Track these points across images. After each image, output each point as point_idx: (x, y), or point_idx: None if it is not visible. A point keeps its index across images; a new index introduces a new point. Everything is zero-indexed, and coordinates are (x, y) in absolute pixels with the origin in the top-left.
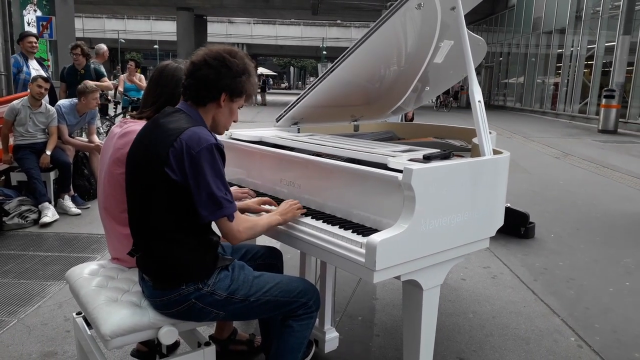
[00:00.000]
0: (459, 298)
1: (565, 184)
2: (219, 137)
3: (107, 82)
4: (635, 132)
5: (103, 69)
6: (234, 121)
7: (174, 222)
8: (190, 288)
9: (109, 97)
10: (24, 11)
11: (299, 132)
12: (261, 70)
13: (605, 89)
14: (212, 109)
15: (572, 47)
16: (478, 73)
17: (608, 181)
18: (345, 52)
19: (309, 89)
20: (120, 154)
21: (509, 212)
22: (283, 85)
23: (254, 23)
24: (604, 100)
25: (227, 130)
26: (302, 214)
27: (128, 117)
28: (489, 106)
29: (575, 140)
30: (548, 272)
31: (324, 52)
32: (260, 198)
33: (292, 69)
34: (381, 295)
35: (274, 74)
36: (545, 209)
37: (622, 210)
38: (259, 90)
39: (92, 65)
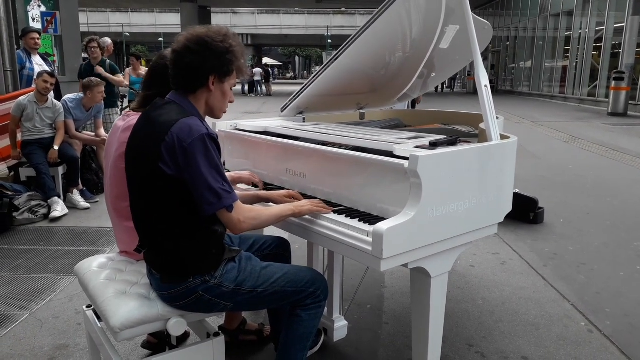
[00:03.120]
0: (468, 285)
1: (574, 169)
2: (222, 127)
3: (120, 78)
4: None
5: (116, 66)
6: (230, 102)
7: (176, 216)
8: (198, 280)
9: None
10: (28, 7)
11: (304, 122)
12: (266, 60)
13: (615, 71)
14: (204, 94)
15: (581, 29)
16: (485, 58)
17: (618, 164)
18: (349, 39)
19: (313, 77)
20: (124, 148)
21: (517, 197)
22: (288, 75)
23: (258, 13)
24: (613, 83)
25: (224, 112)
26: (324, 212)
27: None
28: (497, 91)
29: (584, 124)
30: (558, 258)
31: (329, 41)
32: (288, 191)
33: (297, 58)
34: (390, 283)
35: (279, 63)
36: (554, 194)
37: (632, 194)
38: (263, 81)
39: (107, 61)
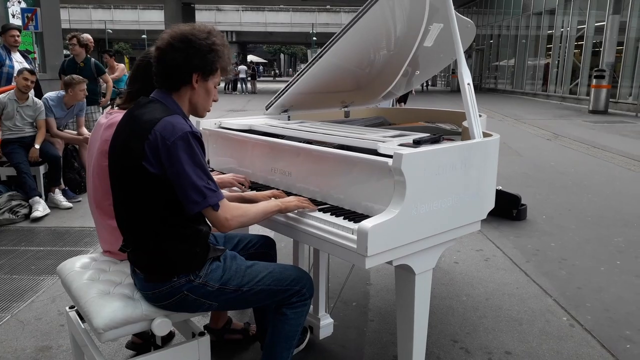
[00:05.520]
0: (452, 281)
1: (556, 165)
2: (206, 125)
3: (106, 78)
4: (626, 111)
5: (103, 66)
6: (214, 100)
7: (160, 215)
8: (182, 280)
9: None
10: (8, 3)
11: (289, 120)
12: (251, 57)
13: (596, 69)
14: (187, 92)
15: (562, 27)
16: (469, 56)
17: (599, 161)
18: (333, 37)
19: (297, 75)
20: (107, 146)
21: (500, 194)
22: (273, 73)
23: (242, 10)
24: (594, 81)
25: (208, 111)
26: (311, 208)
27: (116, 107)
28: (481, 89)
29: (566, 122)
30: (540, 253)
31: (314, 38)
32: (272, 191)
33: (282, 56)
34: (375, 280)
35: (265, 61)
36: (537, 190)
37: (613, 190)
38: (248, 78)
39: (92, 60)
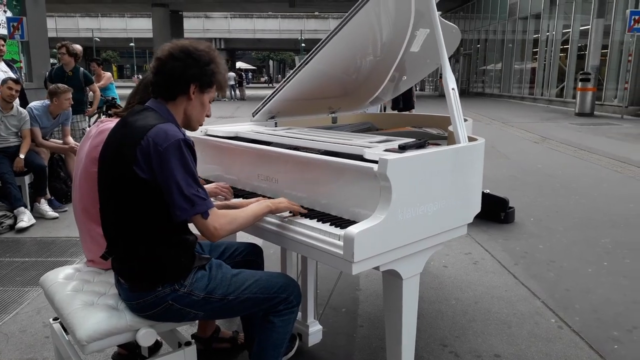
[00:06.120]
0: (442, 285)
1: (543, 168)
2: (193, 133)
3: (94, 88)
4: (611, 114)
5: (91, 76)
6: (207, 116)
7: (147, 222)
8: (167, 289)
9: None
10: None
11: (276, 126)
12: (240, 64)
13: (581, 72)
14: (183, 102)
15: (548, 31)
16: (456, 61)
17: (586, 164)
18: (319, 43)
19: (283, 82)
20: (96, 152)
21: (488, 198)
22: (262, 79)
23: (231, 17)
24: (580, 84)
25: (201, 125)
26: (300, 212)
27: (104, 117)
28: (468, 93)
29: (553, 124)
30: (528, 256)
31: (303, 45)
32: (258, 199)
33: (271, 62)
34: (365, 286)
35: (253, 67)
36: (525, 193)
37: (600, 192)
38: (237, 85)
39: (81, 69)
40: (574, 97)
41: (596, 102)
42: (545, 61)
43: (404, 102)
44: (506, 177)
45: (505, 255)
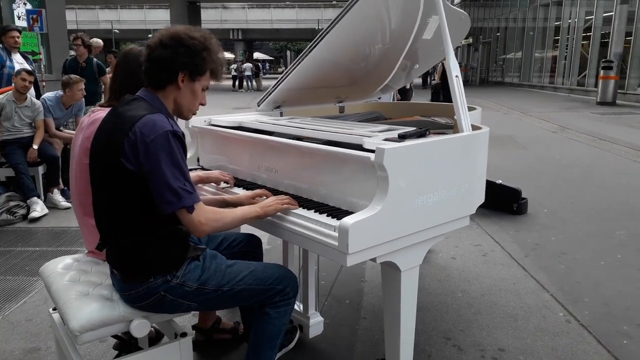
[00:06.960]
0: (448, 277)
1: (561, 158)
2: (196, 122)
3: (106, 79)
4: (634, 102)
5: (104, 67)
6: (202, 104)
7: (137, 213)
8: (159, 280)
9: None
10: (13, 5)
11: (281, 116)
12: (257, 55)
13: (604, 60)
14: (172, 91)
15: (570, 18)
16: (476, 49)
17: (605, 154)
18: (322, 31)
19: (287, 71)
20: (88, 143)
21: (500, 188)
22: (280, 70)
23: (248, 7)
24: (602, 72)
25: (193, 114)
26: (292, 209)
27: (97, 106)
28: (487, 82)
29: (573, 114)
30: (540, 248)
31: None
32: (255, 191)
33: (288, 52)
34: (370, 277)
35: (271, 58)
36: (540, 184)
37: (619, 182)
38: (253, 76)
39: (95, 60)
40: (596, 85)
41: (619, 91)
42: (566, 49)
43: (400, 94)
44: (522, 167)
45: (515, 247)
